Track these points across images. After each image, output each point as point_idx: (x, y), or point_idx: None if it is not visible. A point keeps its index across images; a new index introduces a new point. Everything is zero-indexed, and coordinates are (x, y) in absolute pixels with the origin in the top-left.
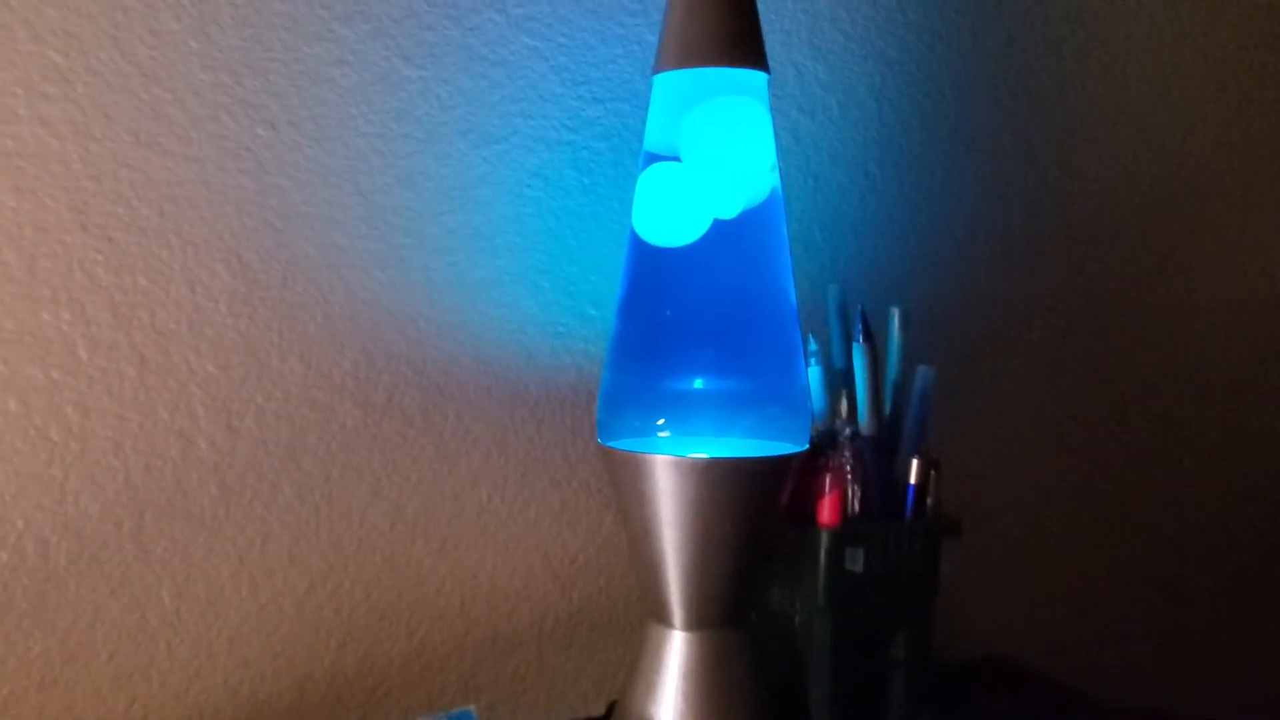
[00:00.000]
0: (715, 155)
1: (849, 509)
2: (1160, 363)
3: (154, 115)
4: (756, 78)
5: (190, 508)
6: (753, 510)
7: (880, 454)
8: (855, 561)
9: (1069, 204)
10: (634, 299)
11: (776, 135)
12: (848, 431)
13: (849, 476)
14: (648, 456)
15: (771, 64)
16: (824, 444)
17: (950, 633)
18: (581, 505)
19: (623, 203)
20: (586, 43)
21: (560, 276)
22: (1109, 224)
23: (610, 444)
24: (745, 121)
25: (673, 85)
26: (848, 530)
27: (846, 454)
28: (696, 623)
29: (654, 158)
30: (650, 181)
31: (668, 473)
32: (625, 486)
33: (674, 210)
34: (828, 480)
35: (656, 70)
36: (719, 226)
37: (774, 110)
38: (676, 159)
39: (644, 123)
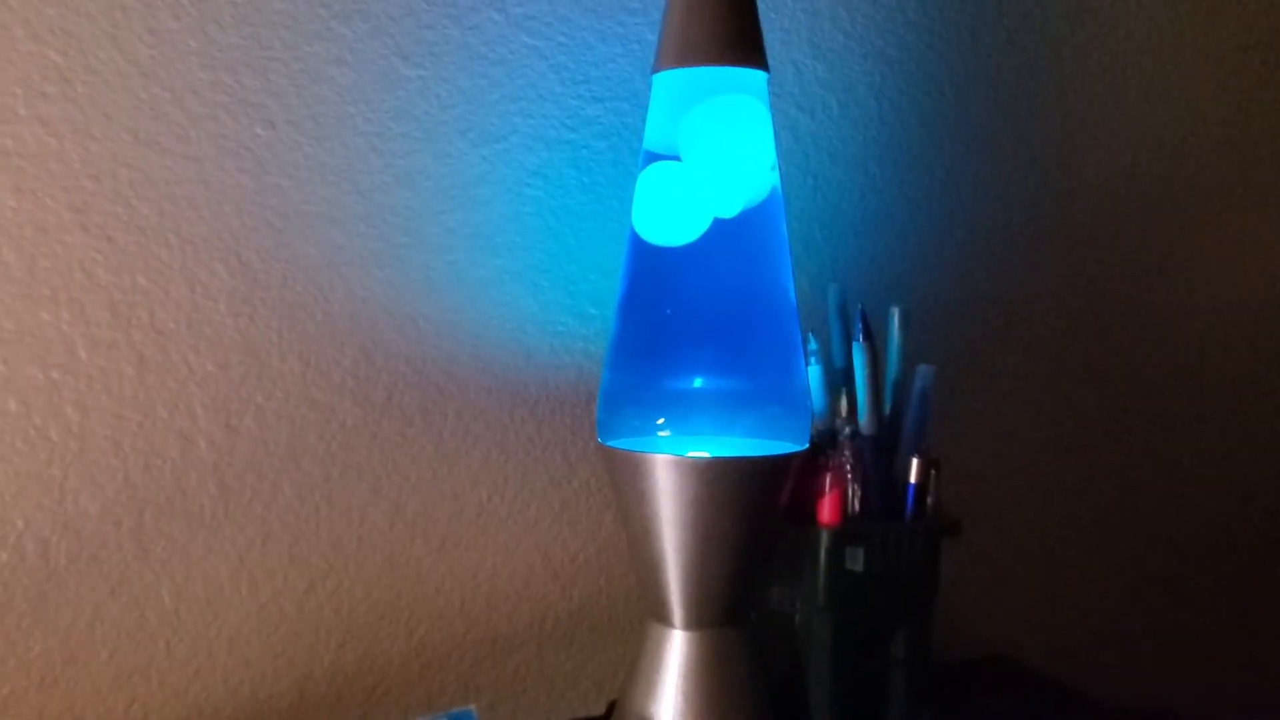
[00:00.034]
0: (715, 154)
1: (849, 508)
2: (1160, 362)
3: (153, 114)
4: (756, 76)
5: (190, 507)
6: (753, 509)
7: (880, 453)
8: (855, 561)
9: (1069, 203)
10: (634, 298)
11: (776, 134)
12: (848, 431)
13: (849, 476)
14: (648, 456)
15: (771, 63)
16: (824, 443)
17: (950, 632)
18: (581, 504)
19: (622, 202)
20: (586, 41)
21: (560, 275)
22: (1109, 223)
23: (610, 443)
24: (745, 120)
25: (672, 84)
26: (848, 529)
27: (846, 453)
28: (696, 622)
29: (654, 157)
30: (650, 180)
31: (668, 472)
32: (625, 486)
33: (674, 209)
34: (828, 479)
35: (656, 69)
36: (719, 225)
37: (774, 109)
38: (676, 158)
39: (644, 122)
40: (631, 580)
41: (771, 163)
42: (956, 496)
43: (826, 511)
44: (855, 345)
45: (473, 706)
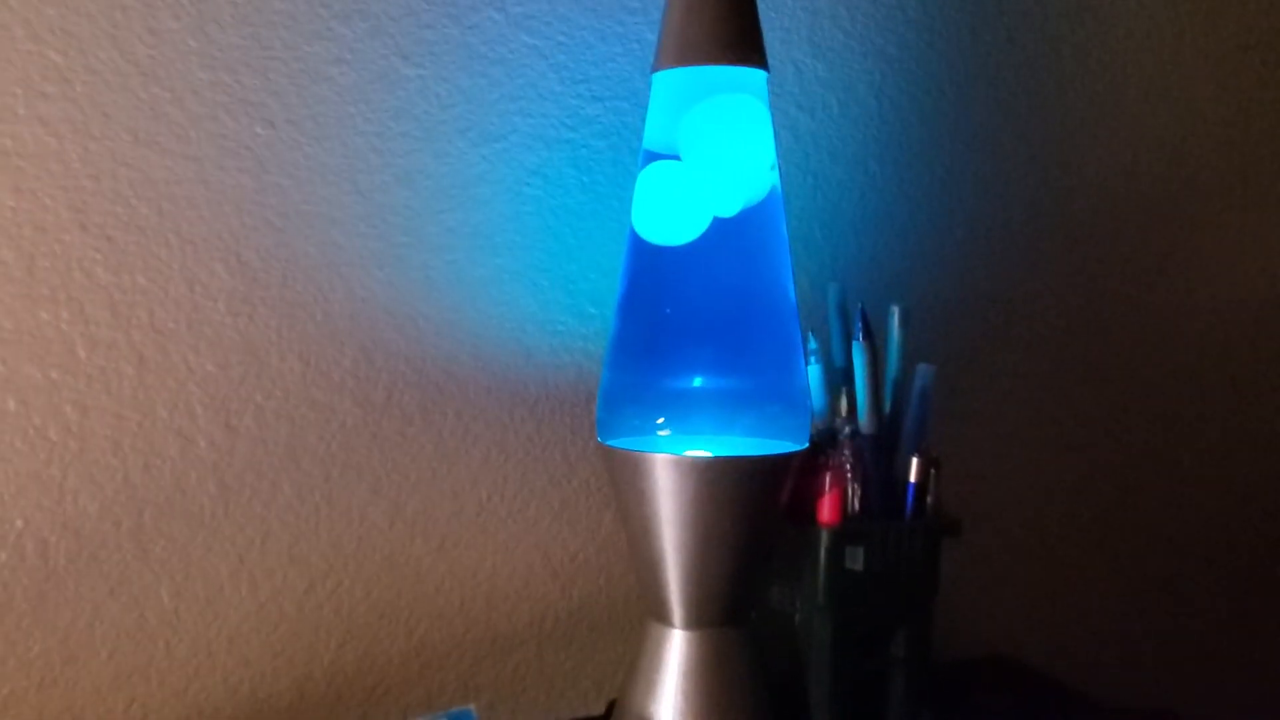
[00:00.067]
0: (715, 153)
1: (849, 507)
2: (1160, 361)
3: (153, 114)
4: (756, 75)
5: (189, 507)
6: (752, 509)
7: (880, 452)
8: (855, 560)
9: (1069, 202)
10: (633, 297)
11: (776, 133)
12: (847, 430)
13: (849, 475)
14: (647, 455)
15: (771, 62)
16: (824, 442)
17: (950, 631)
18: (581, 504)
19: (622, 201)
20: (586, 41)
21: (559, 275)
22: (1109, 222)
23: (610, 443)
24: (745, 119)
25: (672, 83)
26: (848, 529)
27: (846, 452)
28: (696, 621)
29: (653, 156)
30: (650, 180)
31: (667, 471)
32: (625, 485)
33: (673, 208)
34: (827, 479)
35: (656, 68)
36: (718, 225)
37: (773, 108)
38: (676, 157)
39: (643, 121)
40: (631, 580)
41: (771, 162)
42: (956, 496)
43: (826, 511)
44: (855, 344)
45: (472, 706)
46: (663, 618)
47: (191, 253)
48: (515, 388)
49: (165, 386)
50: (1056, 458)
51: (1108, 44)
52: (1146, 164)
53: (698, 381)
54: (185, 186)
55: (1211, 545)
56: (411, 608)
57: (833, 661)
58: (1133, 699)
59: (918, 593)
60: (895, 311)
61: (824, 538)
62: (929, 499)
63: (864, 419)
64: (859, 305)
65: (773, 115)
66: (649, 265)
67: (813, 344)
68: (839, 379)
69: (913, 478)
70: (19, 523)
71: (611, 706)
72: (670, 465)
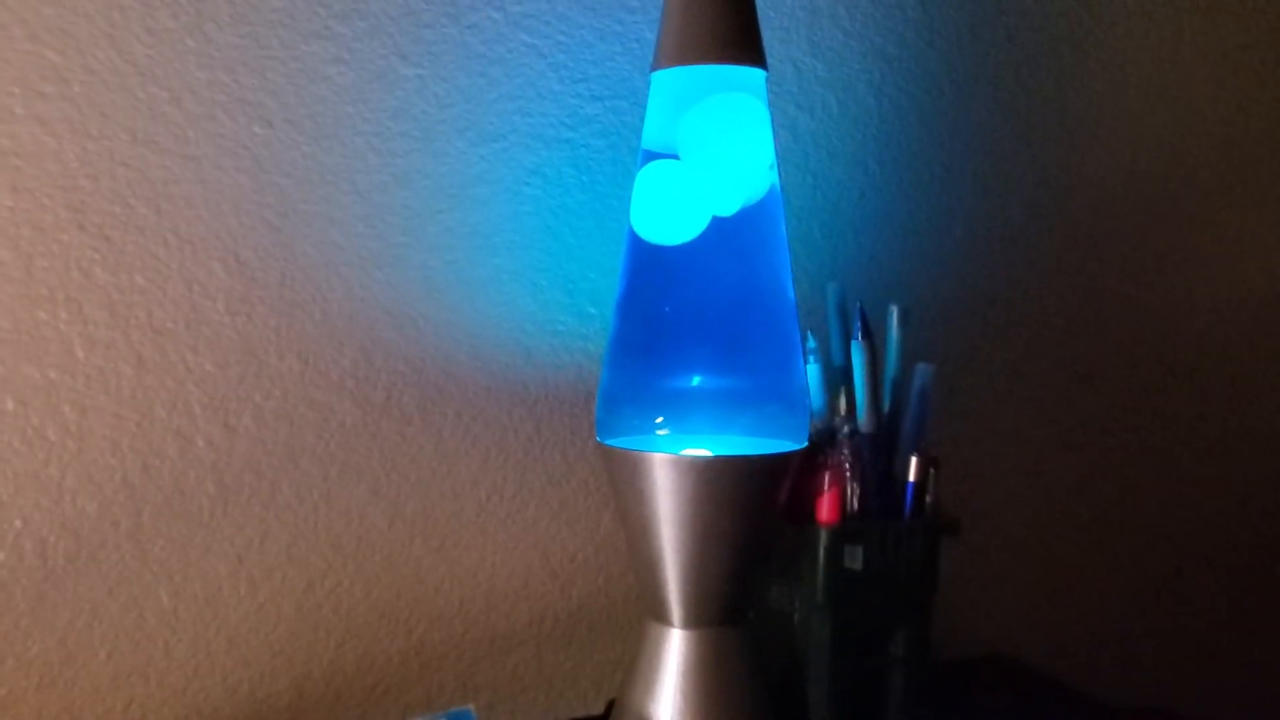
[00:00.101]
0: (714, 153)
1: (848, 507)
2: (1159, 360)
3: (151, 114)
4: (755, 75)
5: (188, 507)
6: (751, 508)
7: (879, 452)
8: (854, 559)
9: (1068, 201)
10: (633, 297)
11: (775, 132)
12: (846, 429)
13: (848, 474)
14: (646, 455)
15: (770, 61)
16: (823, 442)
17: (949, 631)
18: (580, 504)
19: (621, 200)
20: (585, 40)
21: (559, 275)
22: (1108, 221)
23: (609, 442)
24: (744, 119)
25: (671, 82)
26: (846, 528)
27: (845, 452)
28: (695, 621)
29: (652, 155)
30: (649, 179)
31: (666, 471)
32: (624, 485)
33: (672, 208)
34: (826, 478)
35: (655, 68)
36: (718, 224)
37: (773, 107)
38: (675, 156)
39: (642, 120)
40: (630, 579)
41: (770, 161)
42: (955, 495)
43: (825, 510)
44: (854, 344)
45: (471, 706)
46: (662, 617)
47: (190, 252)
48: (514, 388)
49: (164, 386)
50: (1055, 457)
51: (1107, 43)
52: (1145, 163)
53: (697, 381)
54: (183, 186)
55: (1211, 544)
56: (411, 608)
57: (832, 661)
58: (1131, 698)
59: (916, 592)
60: (894, 311)
61: (823, 537)
62: (928, 498)
63: (863, 418)
64: (858, 304)
65: (772, 114)
66: (648, 265)
67: (812, 343)
68: (838, 378)
69: (912, 477)
70: (18, 523)
71: (610, 706)
72: (669, 465)
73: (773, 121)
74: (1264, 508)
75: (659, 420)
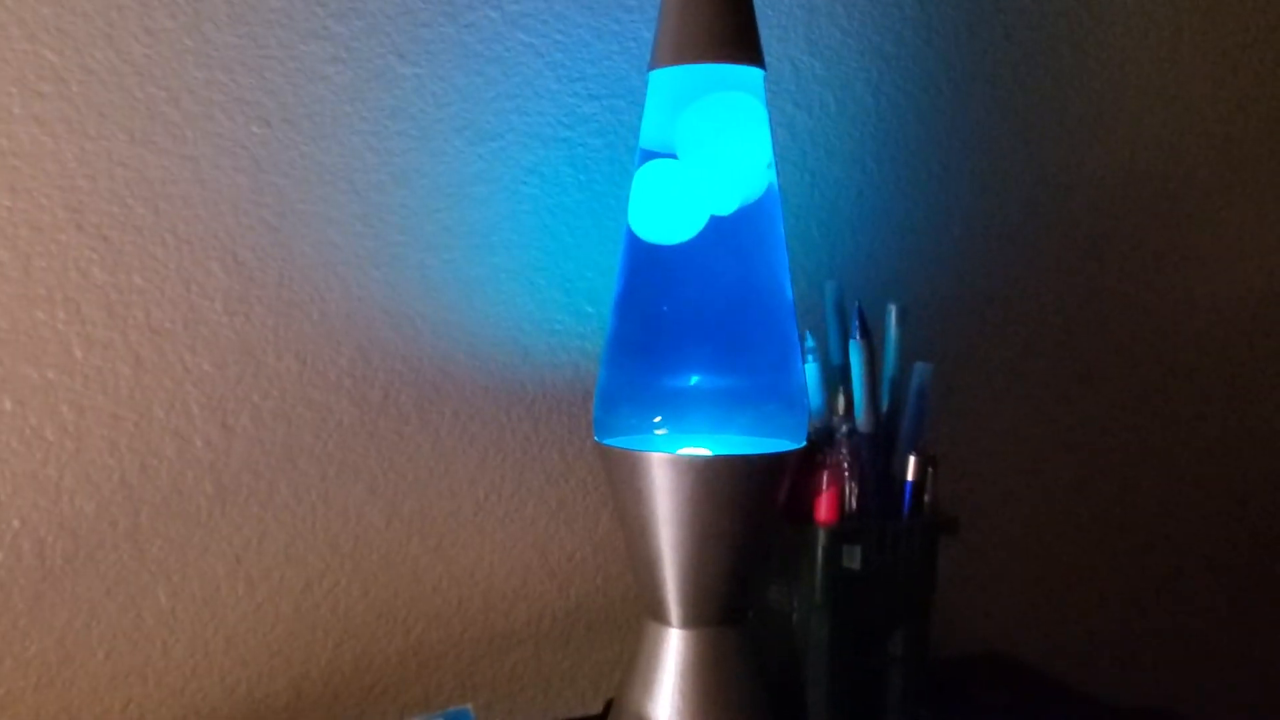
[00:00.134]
0: (711, 152)
1: (846, 506)
2: (1158, 359)
3: (149, 113)
4: (752, 74)
5: (186, 507)
6: (750, 508)
7: (877, 451)
8: (853, 559)
9: (1067, 200)
10: (630, 296)
11: (773, 131)
12: (845, 428)
13: (846, 473)
14: (644, 454)
15: (768, 59)
16: (821, 441)
17: (948, 630)
18: (578, 503)
19: (619, 200)
20: (582, 39)
21: (557, 274)
22: (1107, 220)
23: (607, 442)
24: (741, 118)
25: (669, 81)
26: (845, 527)
27: (844, 451)
28: (694, 620)
29: (650, 154)
30: (646, 178)
31: (664, 470)
32: (622, 484)
33: (670, 207)
34: (825, 477)
35: (652, 66)
36: (715, 223)
37: (771, 106)
38: (673, 155)
39: (640, 119)
40: (628, 579)
41: (768, 160)
42: (954, 494)
43: (824, 509)
44: (852, 343)
45: (469, 705)
46: (660, 617)
47: (188, 252)
48: (512, 387)
49: (162, 386)
50: (1054, 456)
51: (1105, 42)
52: (1144, 162)
53: (695, 380)
54: (181, 186)
55: (1210, 544)
56: (409, 607)
57: (830, 660)
58: (1131, 697)
59: (915, 591)
60: (892, 310)
61: (821, 536)
62: (926, 497)
63: (861, 417)
64: (856, 303)
65: (770, 113)
66: (646, 264)
67: (810, 342)
68: (836, 377)
69: (910, 476)
70: (15, 523)
71: (609, 706)
72: (667, 464)
73: (770, 120)
74: (1264, 508)
75: (657, 420)
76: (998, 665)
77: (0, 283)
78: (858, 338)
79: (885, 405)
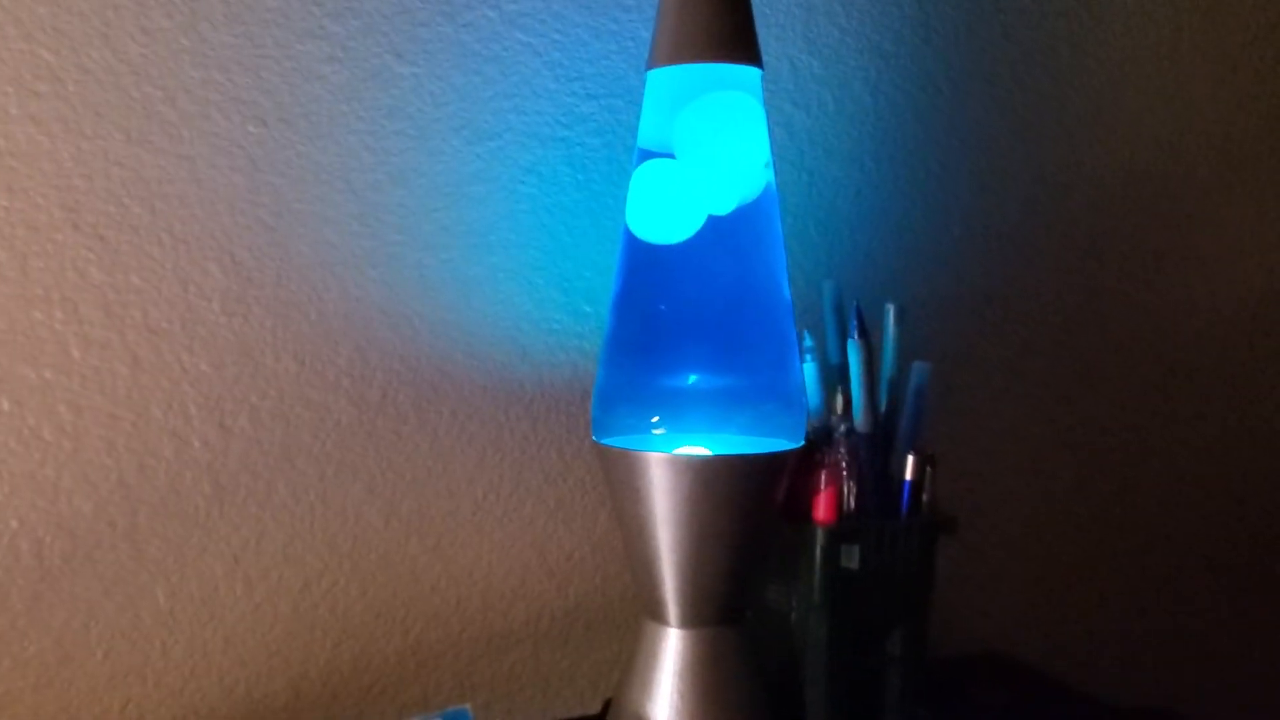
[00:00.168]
0: (709, 151)
1: (844, 506)
2: (1157, 359)
3: (145, 113)
4: (750, 73)
5: (184, 507)
6: (748, 507)
7: (875, 450)
8: (851, 558)
9: (1066, 198)
10: (628, 296)
11: (771, 130)
12: (843, 428)
13: (844, 473)
14: (642, 454)
15: (766, 59)
16: (819, 440)
17: (946, 629)
18: (577, 503)
19: (617, 199)
20: (580, 38)
21: (554, 273)
22: (1106, 219)
23: (605, 441)
24: (739, 117)
25: (666, 81)
26: (843, 527)
27: (842, 450)
28: (692, 620)
29: (648, 154)
30: (644, 178)
31: (662, 470)
32: (620, 484)
33: (668, 206)
34: (823, 477)
35: (650, 66)
36: (713, 223)
37: (769, 105)
38: (670, 155)
39: (638, 119)
40: (627, 578)
41: (766, 159)
42: (952, 493)
43: (822, 509)
44: (850, 342)
45: (468, 705)
46: (658, 617)
47: (185, 252)
48: (510, 386)
49: (159, 386)
50: (1053, 455)
51: (1105, 40)
52: (1144, 160)
53: (693, 380)
54: (178, 185)
55: (1210, 543)
56: (407, 607)
57: (829, 660)
58: (1130, 697)
59: (913, 591)
60: (891, 309)
61: (819, 536)
62: (925, 497)
63: (859, 417)
64: (854, 303)
65: (768, 112)
66: (644, 263)
67: (808, 342)
68: (834, 377)
69: (908, 475)
70: (13, 523)
71: (608, 706)
72: (665, 464)
73: (768, 119)
74: (1264, 508)
75: (655, 419)
76: (997, 665)
77: None
78: (856, 337)
79: (883, 405)
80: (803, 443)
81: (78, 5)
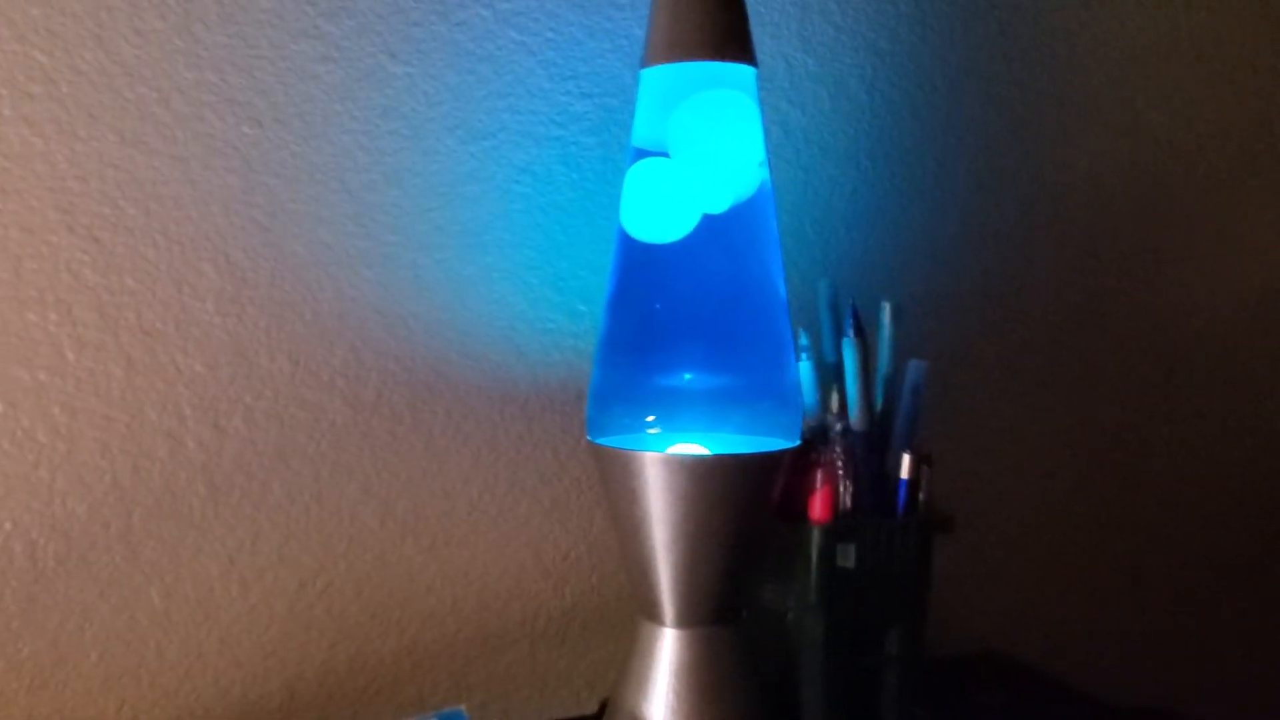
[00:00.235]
0: (704, 150)
1: (840, 505)
2: (1156, 358)
3: (139, 114)
4: (745, 71)
5: (179, 508)
6: (744, 506)
7: (872, 449)
8: (847, 557)
9: (1063, 197)
10: (623, 295)
11: (767, 129)
12: (839, 427)
13: (840, 472)
14: (638, 453)
15: (761, 57)
16: (815, 439)
17: (944, 628)
18: (572, 502)
19: (611, 198)
20: (574, 37)
21: (549, 273)
22: (1105, 217)
23: (600, 441)
24: (734, 116)
25: (661, 80)
26: (839, 526)
27: (838, 449)
28: (688, 620)
29: (642, 153)
30: (639, 177)
31: (658, 469)
32: (615, 484)
33: (663, 206)
34: (819, 476)
35: (644, 65)
36: (708, 221)
37: (764, 103)
38: (665, 154)
39: (632, 117)
40: (623, 578)
41: (761, 158)
42: (949, 492)
43: (818, 508)
44: (846, 341)
45: (464, 705)
46: (654, 616)
47: (179, 253)
48: (505, 386)
49: (154, 388)
50: (1051, 454)
51: (1102, 36)
52: (1143, 159)
53: (688, 379)
54: (172, 187)
55: (1209, 543)
56: (403, 607)
57: (825, 660)
58: (1129, 697)
59: (910, 590)
60: (887, 307)
61: (816, 535)
62: (921, 495)
63: (855, 416)
64: (850, 301)
65: (763, 110)
66: (639, 262)
67: (804, 340)
68: (830, 376)
69: (904, 474)
70: (8, 525)
71: (604, 706)
72: (660, 463)
73: (764, 117)
74: (1262, 505)
75: (650, 419)
76: (995, 664)
77: None
78: (852, 336)
79: (879, 403)
80: (798, 442)
81: (71, 7)
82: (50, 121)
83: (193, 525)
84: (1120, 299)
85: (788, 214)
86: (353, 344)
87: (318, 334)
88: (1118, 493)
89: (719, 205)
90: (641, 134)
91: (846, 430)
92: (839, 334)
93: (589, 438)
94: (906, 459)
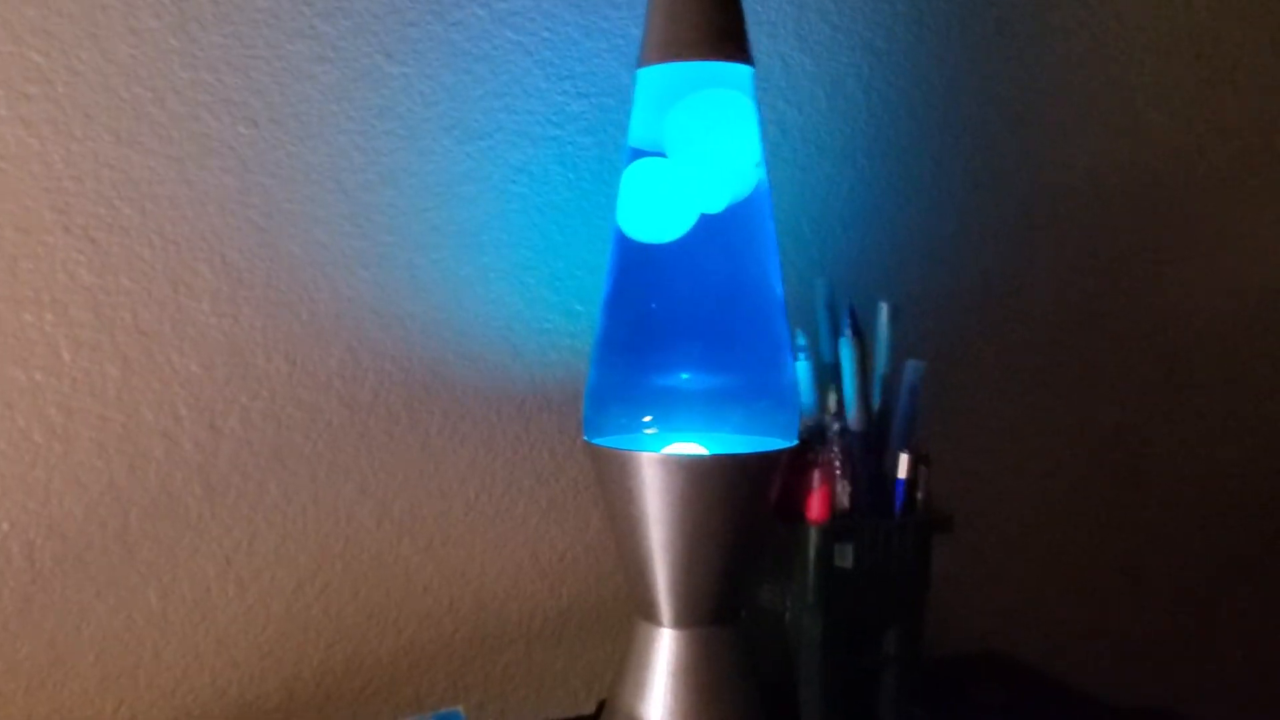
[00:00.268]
0: (701, 149)
1: (838, 504)
2: (1157, 357)
3: (135, 114)
4: (741, 71)
5: (175, 508)
6: (741, 507)
7: (869, 449)
8: (845, 557)
9: (1062, 197)
10: (620, 295)
11: (764, 128)
12: (836, 427)
13: (838, 472)
14: (634, 453)
15: (758, 56)
16: (813, 439)
17: (942, 628)
18: (569, 503)
19: (608, 198)
20: (570, 37)
21: (546, 273)
22: (1104, 216)
23: (597, 441)
24: (731, 115)
25: (657, 79)
26: (837, 526)
27: (835, 449)
28: (685, 620)
29: (639, 152)
30: (635, 176)
31: (654, 469)
32: (612, 484)
33: (659, 205)
34: (816, 476)
35: (641, 64)
36: (705, 221)
37: (761, 103)
38: (662, 154)
39: (629, 117)
40: (620, 578)
41: (758, 157)
42: (947, 492)
43: (815, 508)
44: (843, 340)
45: (461, 706)
46: (651, 617)
47: (175, 253)
48: (502, 386)
49: (150, 388)
50: (1049, 453)
51: (1101, 35)
52: (1142, 158)
53: (685, 378)
54: (168, 187)
55: (1209, 543)
56: (400, 607)
57: (823, 660)
58: (1129, 697)
59: (909, 590)
60: (884, 307)
61: (813, 535)
62: (919, 495)
63: (853, 415)
64: (847, 301)
65: (760, 110)
66: (636, 262)
67: (801, 340)
68: (828, 375)
69: (902, 474)
70: (4, 525)
71: (601, 706)
72: (657, 463)
73: (761, 117)
74: (1264, 507)
75: (647, 419)
76: (994, 664)
77: None
78: (849, 335)
79: (877, 403)
80: (796, 441)
81: (66, 7)
82: (46, 121)
83: (189, 526)
84: (1120, 299)
85: (785, 213)
86: (349, 344)
87: (314, 334)
88: (1118, 493)
89: (716, 205)
90: (638, 134)
91: (844, 430)
92: (836, 333)
93: (586, 438)
94: (904, 459)
